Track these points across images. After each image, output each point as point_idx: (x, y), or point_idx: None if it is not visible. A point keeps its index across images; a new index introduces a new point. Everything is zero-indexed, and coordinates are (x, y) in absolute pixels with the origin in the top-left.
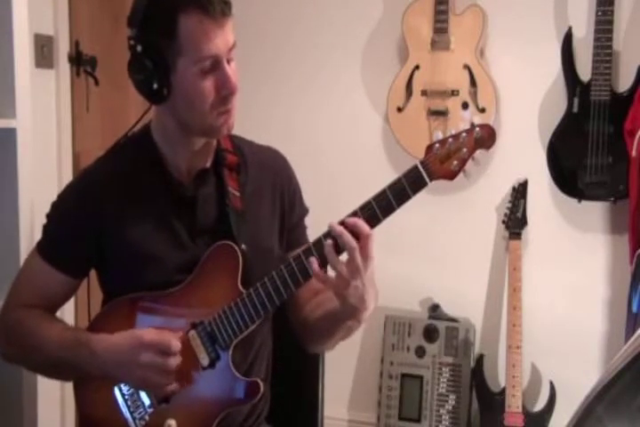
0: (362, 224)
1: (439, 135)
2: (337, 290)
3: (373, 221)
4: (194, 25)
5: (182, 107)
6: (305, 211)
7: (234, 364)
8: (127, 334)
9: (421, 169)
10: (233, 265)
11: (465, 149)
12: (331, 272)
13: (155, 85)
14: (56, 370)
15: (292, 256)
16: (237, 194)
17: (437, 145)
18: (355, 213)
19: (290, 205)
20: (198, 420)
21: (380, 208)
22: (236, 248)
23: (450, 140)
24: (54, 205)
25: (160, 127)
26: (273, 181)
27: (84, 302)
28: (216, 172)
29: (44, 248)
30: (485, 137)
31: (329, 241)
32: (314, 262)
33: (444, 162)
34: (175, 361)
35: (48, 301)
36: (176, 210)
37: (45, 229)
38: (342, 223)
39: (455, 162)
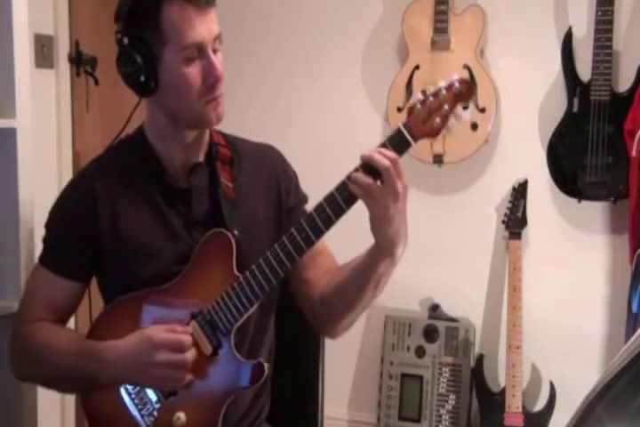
0: (387, 151)
1: (419, 95)
2: (375, 215)
3: (374, 175)
4: (177, 13)
5: (170, 98)
6: (303, 197)
7: (235, 348)
8: (136, 337)
9: (404, 131)
10: (227, 251)
11: (446, 106)
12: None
13: (142, 77)
14: (69, 383)
15: (284, 235)
16: (230, 185)
17: (419, 106)
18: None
19: (286, 190)
20: (207, 408)
21: (369, 174)
22: (229, 234)
23: (430, 99)
24: (51, 213)
25: (152, 124)
26: (268, 174)
27: (84, 307)
28: (209, 165)
29: (46, 258)
30: (464, 91)
31: (358, 173)
32: (362, 177)
33: (427, 121)
34: (191, 354)
35: (57, 311)
36: (171, 204)
37: (45, 238)
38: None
39: (437, 120)
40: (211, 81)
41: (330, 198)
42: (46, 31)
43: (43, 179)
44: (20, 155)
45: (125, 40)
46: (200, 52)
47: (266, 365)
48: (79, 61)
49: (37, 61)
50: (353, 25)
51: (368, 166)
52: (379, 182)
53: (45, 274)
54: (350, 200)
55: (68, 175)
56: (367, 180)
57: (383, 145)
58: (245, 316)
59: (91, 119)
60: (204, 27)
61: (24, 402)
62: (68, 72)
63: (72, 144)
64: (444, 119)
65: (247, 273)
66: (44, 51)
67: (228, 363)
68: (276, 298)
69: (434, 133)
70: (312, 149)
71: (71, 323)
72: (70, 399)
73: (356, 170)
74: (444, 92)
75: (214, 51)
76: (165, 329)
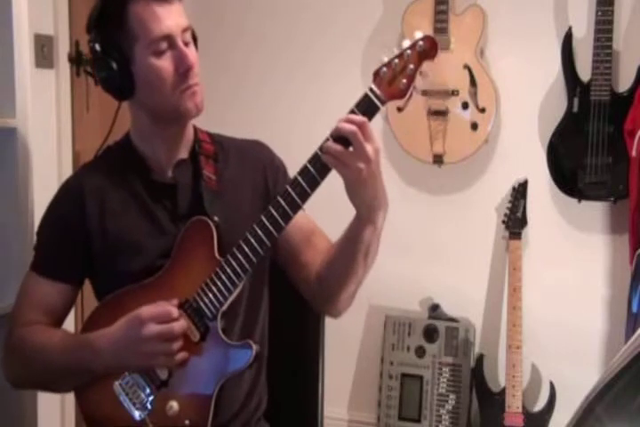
0: (353, 116)
1: (384, 58)
2: (349, 181)
3: (346, 145)
4: (141, 9)
5: (147, 94)
6: None
7: (223, 332)
8: (124, 318)
9: (371, 95)
10: (208, 238)
11: (411, 66)
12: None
13: (118, 80)
14: (65, 380)
15: (262, 213)
16: (213, 177)
17: (384, 68)
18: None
19: (274, 179)
20: (199, 395)
21: (339, 142)
22: (208, 220)
23: (395, 60)
24: (42, 220)
25: (136, 126)
26: (254, 165)
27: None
28: (193, 161)
29: (37, 263)
30: (428, 48)
31: (328, 142)
32: (333, 145)
33: (392, 83)
34: (179, 325)
35: (50, 315)
36: (157, 200)
37: (37, 245)
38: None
39: (404, 80)
40: (182, 70)
41: (304, 171)
42: (46, 31)
43: (43, 179)
44: (20, 155)
45: (97, 46)
46: (169, 44)
47: (254, 345)
48: (79, 61)
49: (37, 61)
50: (353, 25)
51: (338, 135)
52: (351, 149)
53: (37, 279)
54: (324, 171)
55: (67, 175)
56: (337, 147)
57: (352, 111)
58: (231, 299)
59: (91, 119)
60: (170, 19)
61: (24, 402)
62: (68, 72)
63: (72, 144)
64: (410, 79)
65: (228, 256)
66: (43, 51)
67: (217, 348)
68: (265, 281)
69: (401, 95)
70: (313, 149)
71: (71, 324)
72: (70, 399)
73: (327, 140)
74: (408, 51)
75: (186, 44)
76: (152, 306)
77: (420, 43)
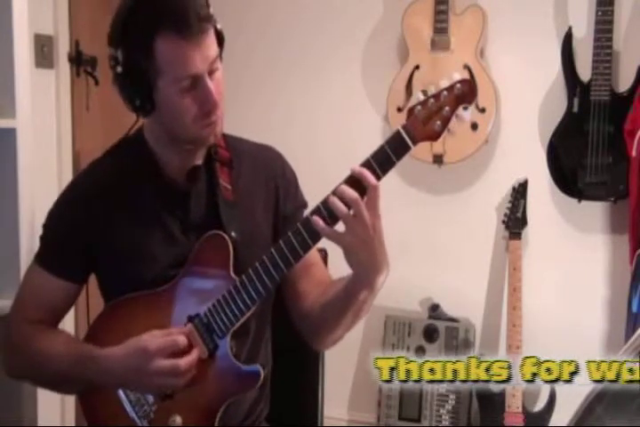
0: (368, 175)
1: (420, 96)
2: (347, 247)
3: (360, 190)
4: (170, 47)
5: (167, 120)
6: (302, 203)
7: (232, 352)
8: (132, 346)
9: (404, 134)
10: (224, 254)
11: (447, 108)
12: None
13: (138, 102)
14: (66, 386)
15: (281, 238)
16: (229, 187)
17: (419, 107)
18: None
19: (284, 194)
20: (203, 412)
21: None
22: (226, 236)
23: (431, 100)
24: (49, 214)
25: (152, 132)
26: (266, 175)
27: (83, 310)
28: (208, 167)
29: (42, 257)
30: (466, 91)
31: (333, 198)
32: (318, 220)
33: (427, 123)
34: (185, 360)
35: (51, 311)
36: (169, 207)
37: (42, 238)
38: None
39: (438, 122)
40: (206, 109)
41: (326, 203)
42: (46, 31)
43: (43, 179)
44: (20, 155)
45: (119, 69)
46: (195, 82)
47: (262, 371)
48: (79, 61)
49: (37, 61)
50: (353, 25)
51: (340, 196)
52: (352, 212)
53: (42, 274)
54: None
55: (67, 175)
56: (342, 208)
57: (382, 148)
58: (242, 319)
59: (91, 119)
60: (199, 58)
61: (24, 400)
62: (68, 72)
63: (72, 144)
64: (445, 121)
65: (244, 277)
66: (44, 51)
67: (225, 367)
68: (272, 302)
69: (434, 136)
70: (312, 149)
71: (71, 324)
72: (70, 398)
73: (334, 194)
74: (445, 93)
75: (213, 71)
76: (161, 335)
77: (458, 85)
